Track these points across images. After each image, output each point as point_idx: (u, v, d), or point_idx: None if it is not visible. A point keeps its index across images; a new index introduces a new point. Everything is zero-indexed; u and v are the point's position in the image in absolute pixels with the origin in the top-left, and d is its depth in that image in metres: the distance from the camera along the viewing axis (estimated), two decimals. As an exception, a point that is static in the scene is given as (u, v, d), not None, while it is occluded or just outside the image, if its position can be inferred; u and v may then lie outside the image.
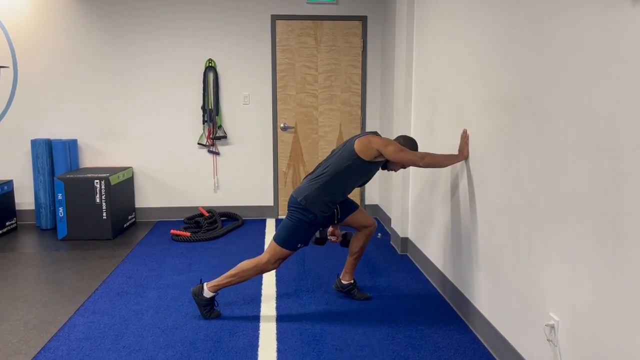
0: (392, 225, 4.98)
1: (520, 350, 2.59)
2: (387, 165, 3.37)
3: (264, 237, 5.22)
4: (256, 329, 3.19)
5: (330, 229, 3.63)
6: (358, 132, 5.96)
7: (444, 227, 3.71)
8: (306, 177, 3.35)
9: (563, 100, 2.15)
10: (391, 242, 5.01)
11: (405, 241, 4.69)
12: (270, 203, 6.00)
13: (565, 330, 2.17)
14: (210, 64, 5.73)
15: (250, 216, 5.99)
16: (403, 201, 4.65)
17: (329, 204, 3.25)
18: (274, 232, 5.39)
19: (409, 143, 3.35)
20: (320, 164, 3.35)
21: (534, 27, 2.39)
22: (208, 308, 3.31)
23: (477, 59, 3.07)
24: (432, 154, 3.24)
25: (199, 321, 3.29)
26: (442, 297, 3.67)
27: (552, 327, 2.24)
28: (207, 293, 3.28)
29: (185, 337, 3.09)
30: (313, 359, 2.84)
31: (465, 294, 3.30)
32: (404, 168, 3.45)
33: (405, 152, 3.17)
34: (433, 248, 3.95)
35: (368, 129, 5.96)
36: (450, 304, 3.55)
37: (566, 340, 2.17)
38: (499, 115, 2.78)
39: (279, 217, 6.01)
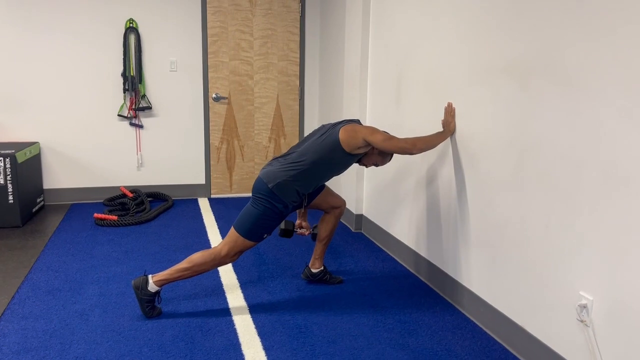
0: (342, 202, 4.73)
1: (533, 330, 2.46)
2: (361, 159, 3.08)
3: (201, 219, 4.74)
4: (231, 324, 2.79)
5: (297, 221, 3.33)
6: (296, 104, 5.60)
7: (417, 204, 3.51)
8: (275, 158, 2.97)
9: (597, 60, 1.98)
10: (341, 220, 4.77)
11: (360, 218, 4.46)
12: (202, 181, 5.49)
13: (603, 310, 2.04)
14: (131, 25, 5.04)
15: (179, 196, 5.45)
16: (357, 176, 4.40)
17: (300, 193, 2.93)
18: (209, 213, 4.94)
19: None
20: (293, 147, 2.99)
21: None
22: (151, 305, 2.85)
23: (467, 14, 2.85)
24: (421, 137, 2.94)
25: (160, 320, 2.83)
26: (416, 276, 3.50)
27: (585, 306, 2.11)
28: (152, 287, 2.82)
29: (150, 339, 2.62)
30: (306, 354, 2.52)
31: (450, 273, 3.14)
32: (377, 166, 3.15)
33: (395, 140, 2.88)
34: (402, 225, 3.75)
35: (307, 101, 5.63)
36: (428, 283, 3.39)
37: (604, 320, 2.05)
38: (501, 82, 2.59)
39: (212, 196, 5.52)
